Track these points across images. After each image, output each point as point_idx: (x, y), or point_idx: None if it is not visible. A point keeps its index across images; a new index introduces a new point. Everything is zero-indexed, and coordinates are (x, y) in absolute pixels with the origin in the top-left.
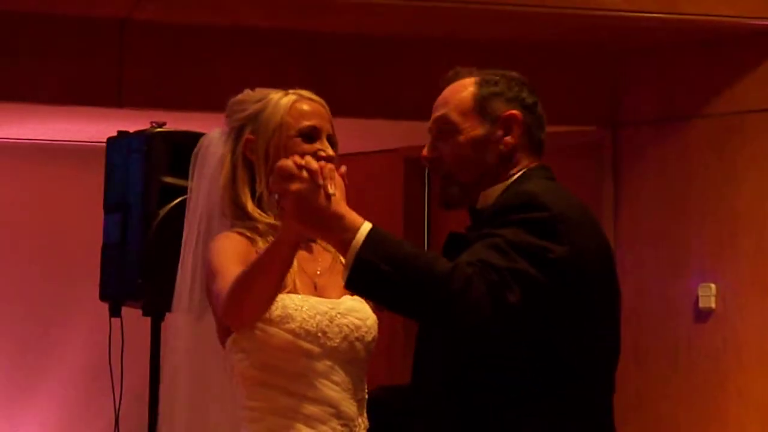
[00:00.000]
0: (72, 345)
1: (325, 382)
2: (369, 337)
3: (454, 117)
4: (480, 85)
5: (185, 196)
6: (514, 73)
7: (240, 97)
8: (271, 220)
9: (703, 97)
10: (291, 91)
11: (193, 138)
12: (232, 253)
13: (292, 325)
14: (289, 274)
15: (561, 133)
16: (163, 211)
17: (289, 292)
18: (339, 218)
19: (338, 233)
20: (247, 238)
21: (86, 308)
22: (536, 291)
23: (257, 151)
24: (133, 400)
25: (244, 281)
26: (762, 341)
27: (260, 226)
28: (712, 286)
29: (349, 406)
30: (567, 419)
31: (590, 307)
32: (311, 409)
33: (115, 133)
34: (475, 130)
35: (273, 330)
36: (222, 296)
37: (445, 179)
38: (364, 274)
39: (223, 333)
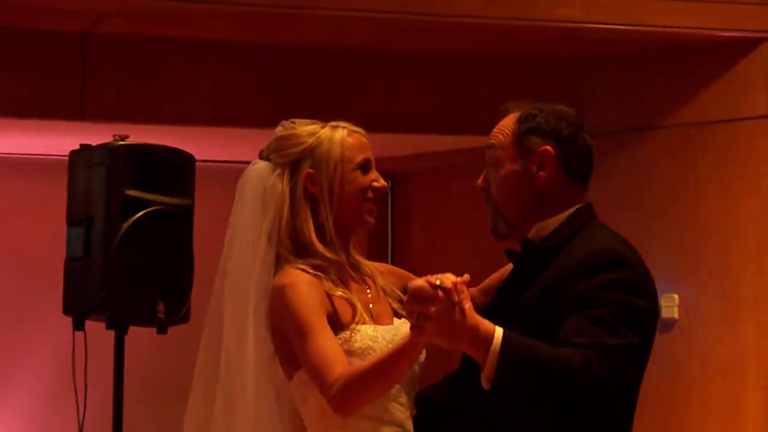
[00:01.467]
0: (36, 358)
1: (395, 404)
2: (422, 358)
3: (499, 151)
4: (519, 121)
5: (149, 209)
6: (557, 106)
7: (288, 131)
8: (334, 256)
9: (664, 108)
10: (333, 123)
11: (157, 151)
12: (314, 303)
13: (373, 357)
14: (357, 306)
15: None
16: (126, 224)
17: (357, 322)
18: (474, 329)
19: (475, 344)
20: (314, 277)
21: (50, 321)
22: (639, 356)
23: (320, 185)
24: (97, 413)
25: (365, 384)
26: (725, 351)
27: (323, 263)
28: (675, 296)
29: (409, 424)
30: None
31: (650, 345)
32: (385, 429)
33: (77, 147)
34: (512, 165)
35: (356, 361)
36: (330, 384)
37: (493, 210)
38: (506, 380)
39: (290, 363)
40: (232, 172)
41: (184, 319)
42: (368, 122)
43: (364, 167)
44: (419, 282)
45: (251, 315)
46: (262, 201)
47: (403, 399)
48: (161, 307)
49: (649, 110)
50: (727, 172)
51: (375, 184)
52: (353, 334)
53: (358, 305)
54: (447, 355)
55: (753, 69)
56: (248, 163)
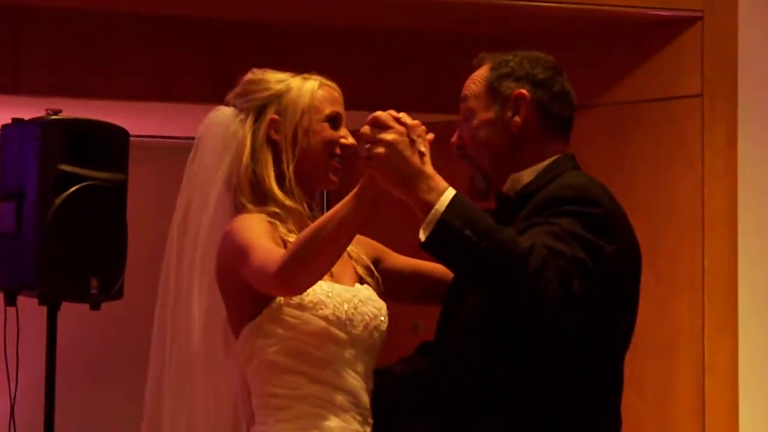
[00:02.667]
0: None
1: (349, 371)
2: (383, 327)
3: (471, 103)
4: (492, 68)
5: (82, 184)
6: (535, 53)
7: (256, 76)
8: (294, 204)
9: (598, 87)
10: (306, 75)
11: (90, 125)
12: (262, 230)
13: (326, 312)
14: None
15: (455, 123)
16: (59, 200)
17: None
18: (427, 177)
19: (423, 193)
20: (269, 222)
21: None
22: (592, 282)
23: (283, 132)
24: (30, 390)
25: (311, 243)
26: (658, 331)
27: (280, 211)
28: None
29: (365, 396)
30: (591, 393)
31: (625, 301)
32: (338, 397)
33: (9, 121)
34: (485, 113)
35: (306, 316)
36: (271, 266)
37: (470, 167)
38: (445, 236)
39: (238, 319)
40: (166, 147)
41: (118, 294)
42: None
43: (333, 121)
44: (380, 112)
45: (198, 264)
46: (223, 147)
47: (360, 368)
48: (94, 282)
49: (582, 89)
50: (661, 152)
51: (343, 140)
52: None
53: None
54: (407, 331)
55: (687, 48)
56: (183, 138)
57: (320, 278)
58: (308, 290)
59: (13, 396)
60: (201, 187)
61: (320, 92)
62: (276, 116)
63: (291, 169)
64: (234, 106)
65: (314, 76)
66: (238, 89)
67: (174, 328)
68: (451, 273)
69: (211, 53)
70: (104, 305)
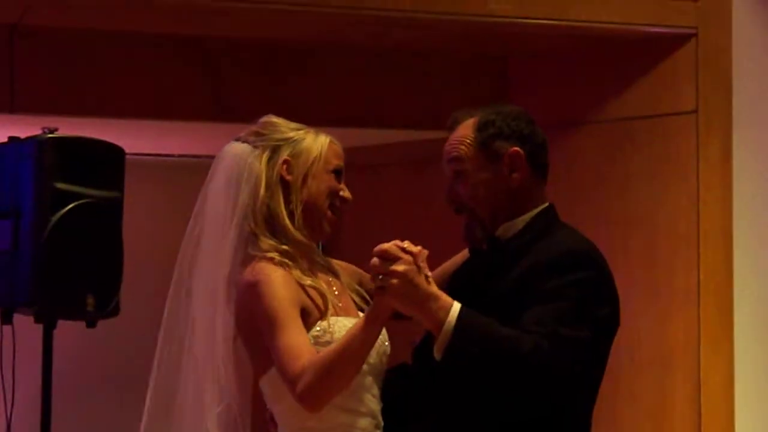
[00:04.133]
0: None
1: (369, 396)
2: (388, 351)
3: (463, 164)
4: (479, 129)
5: (78, 202)
6: (508, 108)
7: (274, 120)
8: (305, 240)
9: (594, 103)
10: (315, 130)
11: (86, 144)
12: (288, 297)
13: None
14: (328, 296)
15: (438, 140)
16: (55, 218)
17: (330, 314)
18: (435, 298)
19: (433, 312)
20: (286, 267)
21: None
22: (590, 353)
23: (295, 174)
24: (26, 408)
25: (333, 372)
26: (654, 345)
27: (292, 249)
28: None
29: (380, 415)
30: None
31: (605, 354)
32: (362, 422)
33: (6, 139)
34: (482, 173)
35: None
36: (296, 376)
37: (470, 221)
38: (457, 356)
39: (262, 363)
40: (162, 165)
41: (114, 312)
42: (299, 115)
43: (338, 173)
44: (386, 244)
45: (222, 296)
46: (236, 180)
47: (375, 391)
48: (90, 300)
49: (578, 105)
50: (656, 167)
51: (343, 193)
52: (332, 325)
53: (329, 295)
54: (408, 348)
55: (682, 64)
56: (178, 156)
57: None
58: (334, 328)
59: (9, 413)
60: (213, 220)
61: (331, 146)
62: (289, 158)
63: (299, 209)
64: (247, 142)
65: (324, 134)
66: (254, 128)
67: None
68: None
69: (205, 72)
70: (100, 323)
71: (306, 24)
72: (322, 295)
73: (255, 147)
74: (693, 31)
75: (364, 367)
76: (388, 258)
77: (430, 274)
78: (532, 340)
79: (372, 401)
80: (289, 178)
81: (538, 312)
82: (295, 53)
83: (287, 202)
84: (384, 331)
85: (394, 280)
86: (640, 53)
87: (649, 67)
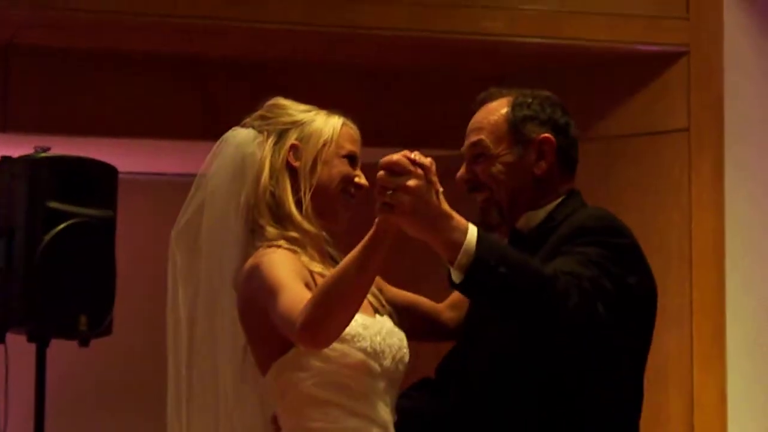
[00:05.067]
0: None
1: (381, 403)
2: (407, 359)
3: (488, 142)
4: (513, 108)
5: (71, 221)
6: (546, 93)
7: (281, 102)
8: (313, 229)
9: (586, 121)
10: (331, 112)
11: (79, 163)
12: (291, 269)
13: (363, 344)
14: None
15: (444, 158)
16: (48, 237)
17: None
18: (449, 217)
19: (448, 233)
20: (293, 254)
21: None
22: (614, 310)
23: (303, 159)
24: (19, 427)
25: (333, 294)
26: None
27: (300, 236)
28: None
29: (392, 429)
30: (616, 416)
31: (643, 330)
32: (373, 430)
33: None
34: (508, 155)
35: (345, 348)
36: (297, 316)
37: (486, 201)
38: (481, 275)
39: (266, 354)
40: (155, 184)
41: (107, 331)
42: None
43: (352, 159)
44: (395, 156)
45: (225, 293)
46: (240, 168)
47: (389, 400)
48: (83, 319)
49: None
50: (647, 185)
51: (358, 179)
52: None
53: None
54: (426, 362)
55: (674, 83)
56: (171, 175)
57: (345, 329)
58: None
59: None
60: (214, 206)
61: (344, 128)
62: (297, 142)
63: (308, 197)
64: (252, 127)
65: (338, 114)
66: (259, 112)
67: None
68: (438, 309)
69: (198, 90)
70: (93, 341)
71: (299, 43)
72: None
73: (260, 132)
74: (685, 48)
75: (378, 369)
76: (397, 171)
77: (441, 189)
78: (552, 267)
79: (385, 410)
80: (296, 164)
81: (555, 263)
82: (288, 72)
83: (295, 190)
84: (403, 339)
85: (404, 197)
86: (632, 71)
87: (641, 84)
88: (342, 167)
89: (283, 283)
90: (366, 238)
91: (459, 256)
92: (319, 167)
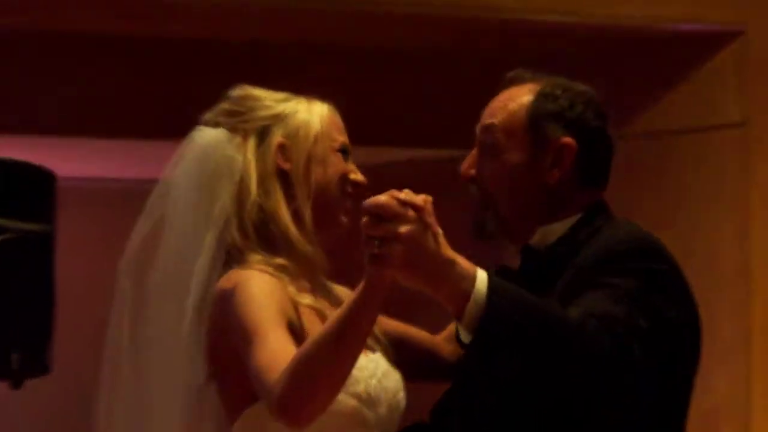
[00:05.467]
0: None
1: None
2: (402, 405)
3: (499, 132)
4: (537, 98)
5: (0, 237)
6: (582, 87)
7: (250, 92)
8: (313, 252)
9: (621, 117)
10: (306, 97)
11: (9, 167)
12: (273, 306)
13: (358, 389)
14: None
15: (458, 158)
16: None
17: None
18: (452, 264)
19: (452, 283)
20: (277, 281)
21: None
22: (652, 348)
23: (295, 161)
24: None
25: (314, 369)
26: (694, 403)
27: (290, 264)
28: None
29: None
30: None
31: (686, 369)
32: None
33: None
34: (519, 153)
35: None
36: (274, 384)
37: (483, 203)
38: (496, 328)
39: (237, 398)
40: (102, 192)
41: (44, 370)
42: None
43: (345, 152)
44: (382, 198)
45: (187, 329)
46: (211, 176)
47: None
48: (15, 357)
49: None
50: (697, 191)
51: (355, 176)
52: None
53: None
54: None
55: (727, 68)
56: (121, 181)
57: (332, 401)
58: None
59: None
60: (177, 221)
61: (334, 117)
62: (284, 140)
63: (309, 205)
64: (219, 125)
65: (318, 100)
66: (225, 105)
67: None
68: (436, 343)
69: (158, 77)
70: (28, 382)
71: (284, 22)
72: (323, 318)
73: (233, 131)
74: (740, 27)
75: (372, 417)
76: (385, 217)
77: (440, 231)
78: (578, 312)
79: None
80: (287, 166)
81: (584, 301)
82: (266, 53)
83: (290, 199)
84: (400, 381)
85: (396, 247)
86: (674, 56)
87: (687, 72)
88: (338, 164)
89: (262, 330)
90: (355, 294)
91: (467, 309)
92: (313, 167)
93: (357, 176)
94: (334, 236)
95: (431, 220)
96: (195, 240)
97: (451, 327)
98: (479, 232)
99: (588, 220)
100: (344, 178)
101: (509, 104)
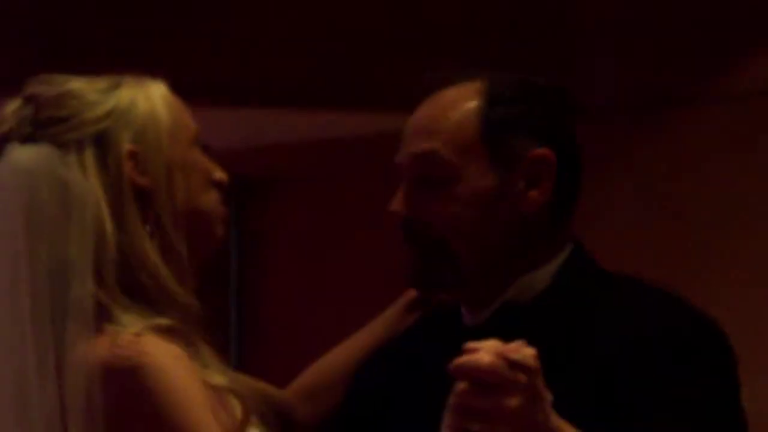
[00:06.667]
0: None
1: None
2: None
3: (449, 155)
4: (489, 101)
5: None
6: (537, 79)
7: (66, 85)
8: (191, 300)
9: (706, 76)
10: (128, 78)
11: None
12: (200, 401)
13: None
14: (247, 403)
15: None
16: None
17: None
18: None
19: None
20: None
21: None
22: None
23: (152, 171)
24: None
25: None
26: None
27: (176, 323)
28: None
29: None
30: None
31: None
32: None
33: None
34: (481, 177)
35: None
36: None
37: (431, 257)
38: None
39: None
40: None
41: None
42: (184, 89)
43: (201, 144)
44: (485, 359)
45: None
46: (33, 211)
47: None
48: None
49: (684, 79)
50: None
51: (218, 174)
52: None
53: (247, 401)
54: None
55: None
56: None
57: None
58: None
59: None
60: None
61: (176, 101)
62: (133, 146)
63: (180, 234)
64: (35, 140)
65: (145, 77)
66: (40, 112)
67: None
68: (287, 401)
69: (54, 48)
70: None
71: None
72: (242, 402)
73: (59, 146)
74: None
75: None
76: (490, 383)
77: (549, 397)
78: None
79: None
80: (143, 181)
81: (653, 424)
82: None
83: (154, 228)
84: None
85: (502, 427)
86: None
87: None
88: (200, 163)
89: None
90: None
91: None
92: (175, 174)
93: (220, 175)
94: (209, 254)
95: (541, 384)
96: (13, 300)
97: (306, 375)
98: (424, 280)
99: (569, 267)
100: (209, 179)
101: (450, 115)
